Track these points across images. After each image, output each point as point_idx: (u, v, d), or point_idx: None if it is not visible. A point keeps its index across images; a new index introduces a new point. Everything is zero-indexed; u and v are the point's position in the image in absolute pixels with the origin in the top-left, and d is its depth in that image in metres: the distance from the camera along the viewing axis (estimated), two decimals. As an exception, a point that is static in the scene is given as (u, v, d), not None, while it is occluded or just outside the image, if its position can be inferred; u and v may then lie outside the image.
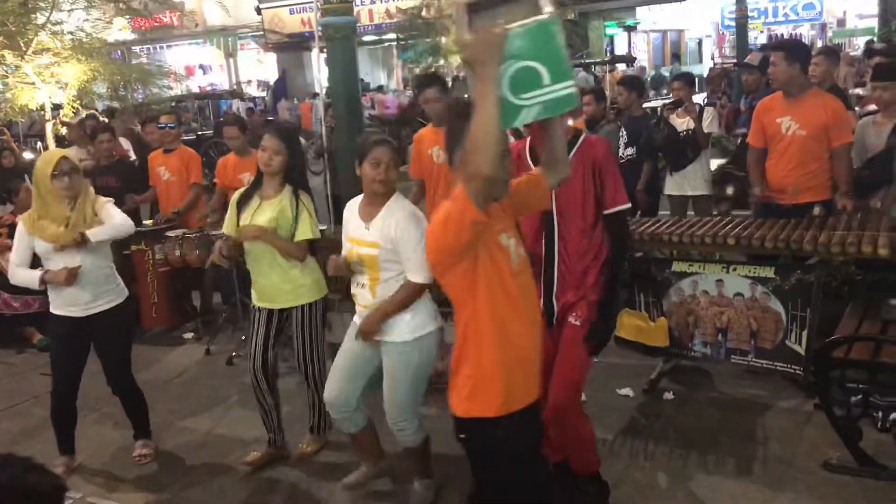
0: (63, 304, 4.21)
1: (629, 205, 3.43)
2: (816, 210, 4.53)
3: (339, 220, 6.29)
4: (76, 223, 4.10)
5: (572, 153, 3.30)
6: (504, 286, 2.49)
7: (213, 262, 4.34)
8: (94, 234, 4.12)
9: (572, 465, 3.54)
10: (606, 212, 3.36)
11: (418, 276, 3.40)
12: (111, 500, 4.11)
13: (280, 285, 4.07)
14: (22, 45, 10.11)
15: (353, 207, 3.63)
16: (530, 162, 3.36)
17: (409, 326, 3.49)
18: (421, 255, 3.37)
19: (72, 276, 4.07)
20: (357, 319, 3.66)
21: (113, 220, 4.24)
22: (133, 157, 8.52)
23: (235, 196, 4.18)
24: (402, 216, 3.44)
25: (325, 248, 5.25)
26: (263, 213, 4.02)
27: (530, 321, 2.60)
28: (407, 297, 3.45)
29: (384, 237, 3.43)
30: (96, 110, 11.76)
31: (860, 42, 21.75)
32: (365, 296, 3.55)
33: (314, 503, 3.92)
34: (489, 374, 2.51)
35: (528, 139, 3.44)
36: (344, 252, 3.61)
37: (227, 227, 4.16)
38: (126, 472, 4.38)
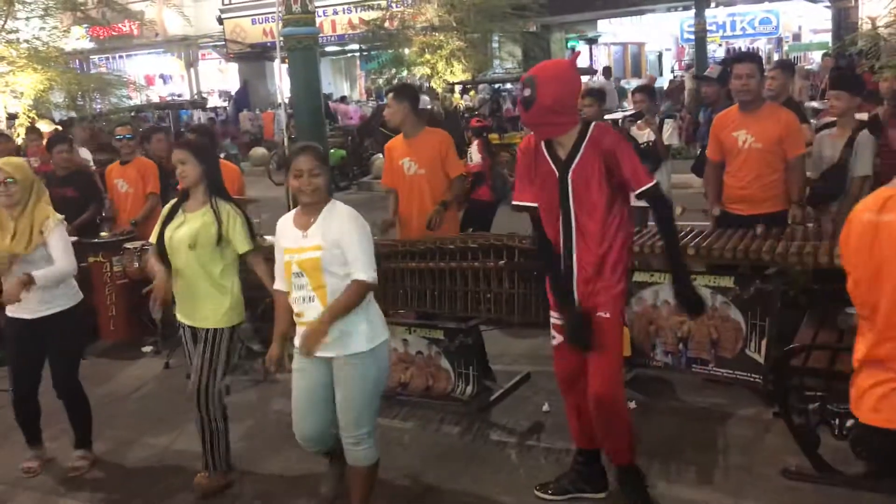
0: (13, 308, 4.20)
1: (655, 181, 3.41)
2: (759, 229, 4.58)
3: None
4: (20, 237, 4.07)
5: (584, 143, 3.35)
6: None
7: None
8: (40, 276, 4.04)
9: (610, 454, 3.64)
10: (635, 193, 3.38)
11: (364, 274, 3.32)
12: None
13: (195, 302, 3.95)
14: (-25, 53, 9.94)
15: (286, 221, 3.54)
16: (547, 155, 3.42)
17: (366, 336, 3.42)
18: (367, 252, 3.36)
19: (19, 290, 4.00)
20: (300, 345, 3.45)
21: (57, 256, 4.12)
22: (93, 166, 8.42)
23: (165, 209, 4.09)
24: (342, 217, 3.41)
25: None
26: (186, 227, 3.91)
27: None
28: (353, 297, 3.34)
29: (326, 240, 3.35)
30: (53, 120, 11.55)
31: (815, 56, 22.24)
32: (316, 309, 3.37)
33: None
34: None
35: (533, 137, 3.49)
36: (280, 264, 3.51)
37: (153, 238, 4.05)
38: (77, 491, 4.28)
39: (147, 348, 6.46)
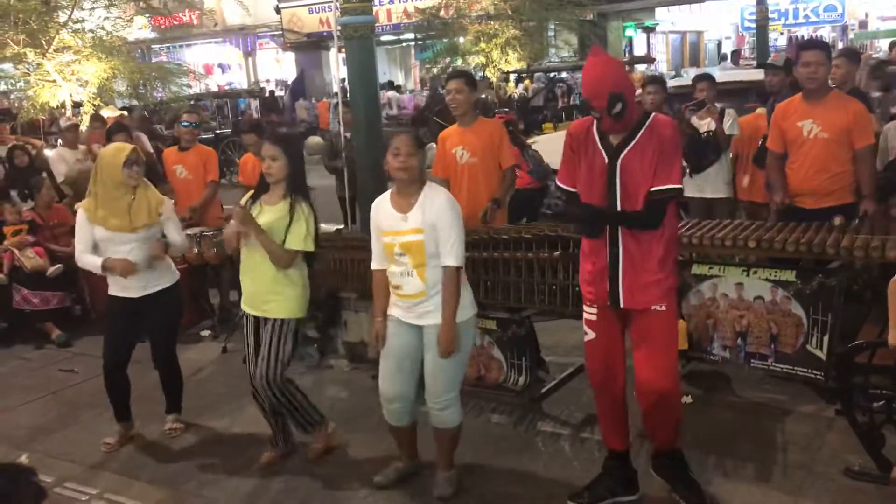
0: (119, 288, 4.45)
1: (679, 185, 3.32)
2: (836, 220, 4.42)
3: (355, 219, 6.30)
4: (137, 211, 4.35)
5: (641, 131, 3.31)
6: None
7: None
8: (172, 242, 4.51)
9: (660, 444, 3.61)
10: (651, 188, 3.28)
11: (453, 260, 3.55)
12: (126, 497, 4.11)
13: (262, 292, 4.06)
14: (44, 43, 10.22)
15: (382, 204, 3.71)
16: (598, 141, 3.37)
17: (461, 307, 3.62)
18: (459, 239, 3.58)
19: (128, 268, 4.32)
20: (399, 312, 3.70)
21: (175, 231, 4.54)
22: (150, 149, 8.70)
23: (242, 200, 4.18)
24: (441, 201, 3.60)
25: (341, 248, 5.26)
26: (262, 217, 4.00)
27: None
28: (453, 284, 3.57)
29: (426, 223, 3.55)
30: (117, 108, 11.80)
31: (882, 44, 21.53)
32: (414, 284, 3.60)
33: (331, 502, 3.91)
34: None
35: (594, 120, 3.40)
36: (378, 245, 3.71)
37: None
38: (141, 470, 4.39)
39: (205, 332, 6.60)
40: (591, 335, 3.57)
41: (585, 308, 3.58)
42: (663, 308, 3.40)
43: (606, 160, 3.36)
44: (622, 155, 3.33)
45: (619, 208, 3.35)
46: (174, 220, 4.58)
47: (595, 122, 3.41)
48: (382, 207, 3.69)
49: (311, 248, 4.03)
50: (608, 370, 3.55)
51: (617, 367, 3.56)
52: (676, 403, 3.55)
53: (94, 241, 4.38)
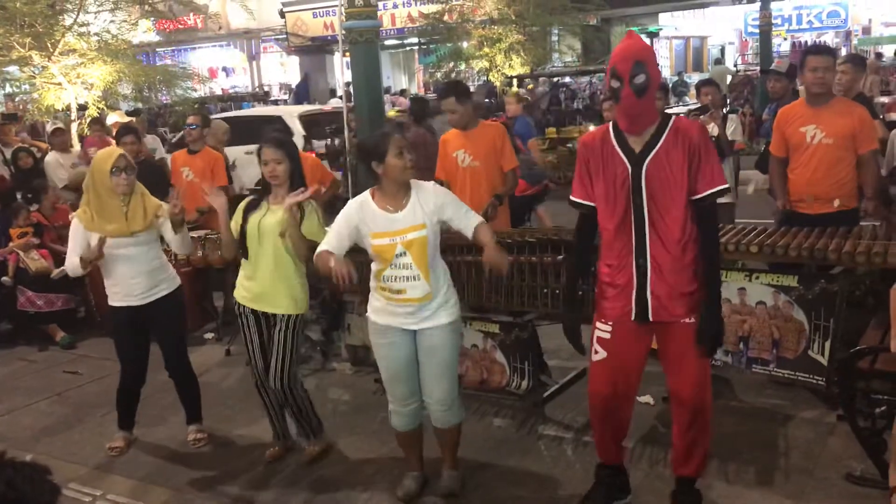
0: (121, 296, 4.39)
1: (726, 184, 3.20)
2: (836, 203, 4.40)
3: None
4: (133, 216, 4.26)
5: (665, 134, 3.16)
6: None
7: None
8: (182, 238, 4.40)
9: (688, 469, 3.46)
10: (697, 196, 3.14)
11: (478, 218, 3.61)
12: (130, 498, 4.13)
13: (274, 290, 4.08)
14: (49, 46, 10.23)
15: (365, 207, 3.56)
16: (618, 148, 3.21)
17: (454, 308, 3.65)
18: (466, 206, 3.64)
19: (101, 246, 4.15)
20: (395, 320, 3.59)
21: (174, 237, 4.40)
22: (164, 155, 8.72)
23: (243, 203, 4.20)
24: (430, 189, 3.60)
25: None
26: (274, 215, 4.03)
27: None
28: (491, 230, 3.64)
29: (427, 214, 3.50)
30: (126, 112, 11.81)
31: (888, 50, 21.53)
32: (421, 287, 3.50)
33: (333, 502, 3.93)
34: None
35: (608, 128, 3.28)
36: (336, 237, 3.57)
37: (233, 226, 4.17)
38: (145, 472, 4.40)
39: (209, 335, 6.62)
40: (601, 354, 3.33)
41: (598, 325, 3.34)
42: (692, 321, 3.21)
43: (630, 168, 3.18)
44: (647, 161, 3.15)
45: (646, 217, 3.17)
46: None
47: (612, 130, 3.24)
48: (367, 207, 3.56)
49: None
50: (616, 394, 3.34)
51: (629, 389, 3.38)
52: (709, 422, 3.39)
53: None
